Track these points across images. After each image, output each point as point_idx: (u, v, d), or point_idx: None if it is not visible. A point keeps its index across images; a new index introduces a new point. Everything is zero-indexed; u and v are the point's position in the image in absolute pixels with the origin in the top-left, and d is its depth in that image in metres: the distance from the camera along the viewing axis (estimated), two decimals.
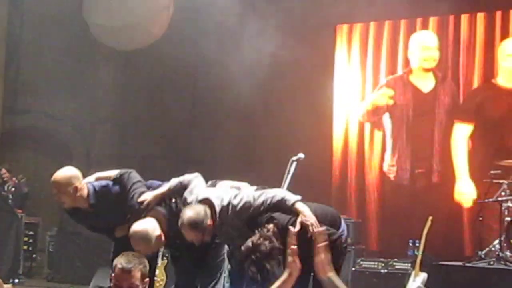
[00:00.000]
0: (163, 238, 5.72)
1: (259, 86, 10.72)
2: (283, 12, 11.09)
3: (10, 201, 12.06)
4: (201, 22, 10.96)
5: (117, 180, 6.18)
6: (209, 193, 5.65)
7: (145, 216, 5.77)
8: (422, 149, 11.39)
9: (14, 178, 12.33)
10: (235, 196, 5.53)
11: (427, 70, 11.55)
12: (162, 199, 5.93)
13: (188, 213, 5.44)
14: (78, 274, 11.21)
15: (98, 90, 12.72)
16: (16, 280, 11.23)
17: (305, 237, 5.11)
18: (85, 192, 6.11)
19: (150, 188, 6.05)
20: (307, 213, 5.30)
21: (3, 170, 12.36)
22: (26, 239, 12.38)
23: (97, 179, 6.30)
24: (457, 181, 11.04)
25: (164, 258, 10.30)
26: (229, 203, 5.50)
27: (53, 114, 12.82)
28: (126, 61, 13.09)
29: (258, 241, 5.05)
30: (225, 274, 6.14)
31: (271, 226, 5.22)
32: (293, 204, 5.39)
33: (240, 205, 5.45)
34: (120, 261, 4.31)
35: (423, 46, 11.63)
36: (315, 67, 11.59)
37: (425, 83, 11.54)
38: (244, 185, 5.87)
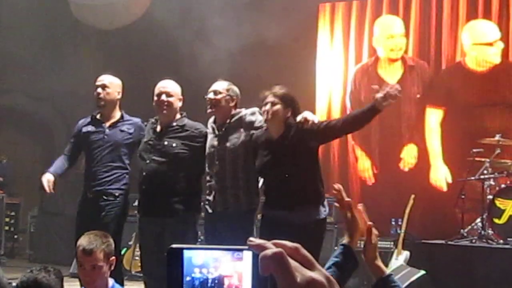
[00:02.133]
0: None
1: (241, 65, 10.66)
2: None
3: None
4: (182, 1, 10.88)
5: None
6: None
7: None
8: (391, 143, 11.34)
9: None
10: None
11: (393, 60, 11.49)
12: None
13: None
14: (60, 254, 11.17)
15: (78, 70, 12.62)
16: None
17: None
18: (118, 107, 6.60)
19: None
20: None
21: None
22: (7, 219, 12.34)
23: None
24: (432, 166, 11.06)
25: None
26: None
27: (33, 94, 12.72)
28: (107, 40, 12.99)
29: None
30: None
31: None
32: None
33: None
34: (82, 242, 4.26)
35: (388, 34, 11.51)
36: (297, 46, 11.54)
37: (392, 73, 11.45)
38: None
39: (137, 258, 9.39)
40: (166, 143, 6.16)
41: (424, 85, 11.21)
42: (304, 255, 1.13)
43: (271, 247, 1.12)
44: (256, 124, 6.06)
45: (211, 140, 6.17)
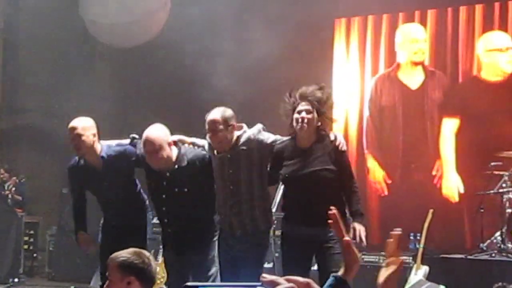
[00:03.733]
0: (174, 148, 5.98)
1: (257, 81, 10.69)
2: (281, 7, 11.05)
3: (9, 200, 12.05)
4: (198, 17, 10.92)
5: (133, 141, 6.43)
6: None
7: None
8: (415, 146, 11.33)
9: (14, 178, 12.33)
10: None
11: (416, 63, 11.51)
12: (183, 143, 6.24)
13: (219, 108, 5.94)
14: (79, 273, 11.19)
15: (96, 88, 12.67)
16: (17, 280, 11.23)
17: None
18: (99, 146, 6.32)
19: None
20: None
21: (1, 170, 12.35)
22: (26, 238, 12.37)
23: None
24: (444, 176, 11.03)
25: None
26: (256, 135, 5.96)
27: (51, 112, 12.77)
28: (123, 59, 13.05)
29: None
30: (217, 273, 6.13)
31: None
32: None
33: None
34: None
35: (412, 38, 11.59)
36: (313, 62, 11.54)
37: (414, 78, 11.48)
38: None
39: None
40: (176, 190, 6.01)
41: (443, 93, 11.23)
42: None
43: (283, 283, 1.13)
44: (266, 141, 5.94)
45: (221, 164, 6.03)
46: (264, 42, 10.35)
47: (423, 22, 11.51)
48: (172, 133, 6.20)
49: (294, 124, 5.71)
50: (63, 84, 12.67)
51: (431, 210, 8.87)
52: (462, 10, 11.26)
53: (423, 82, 11.40)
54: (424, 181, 11.18)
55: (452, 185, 10.90)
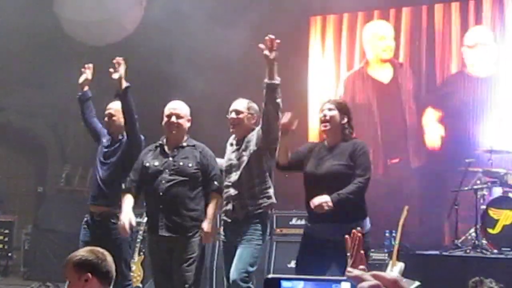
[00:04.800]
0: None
1: (232, 78, 10.67)
2: (256, 4, 11.05)
3: None
4: (173, 15, 10.88)
5: None
6: None
7: None
8: (395, 140, 11.37)
9: None
10: None
11: (384, 61, 11.58)
12: None
13: None
14: (54, 272, 11.12)
15: (71, 86, 12.60)
16: None
17: None
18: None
19: None
20: None
21: None
22: (1, 237, 12.29)
23: None
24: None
25: (141, 253, 10.28)
26: None
27: (26, 111, 12.69)
28: (98, 56, 12.98)
29: None
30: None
31: None
32: None
33: None
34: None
35: (380, 36, 11.66)
36: (289, 59, 11.52)
37: (384, 73, 11.56)
38: None
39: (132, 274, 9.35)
40: (181, 163, 6.31)
41: (416, 85, 11.30)
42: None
43: (369, 279, 1.12)
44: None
45: (229, 154, 6.41)
46: (239, 40, 10.34)
47: (397, 20, 11.55)
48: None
49: (319, 125, 6.03)
50: (39, 83, 12.58)
51: (406, 207, 8.91)
52: (437, 7, 11.31)
53: (394, 76, 11.46)
54: (402, 177, 11.21)
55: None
